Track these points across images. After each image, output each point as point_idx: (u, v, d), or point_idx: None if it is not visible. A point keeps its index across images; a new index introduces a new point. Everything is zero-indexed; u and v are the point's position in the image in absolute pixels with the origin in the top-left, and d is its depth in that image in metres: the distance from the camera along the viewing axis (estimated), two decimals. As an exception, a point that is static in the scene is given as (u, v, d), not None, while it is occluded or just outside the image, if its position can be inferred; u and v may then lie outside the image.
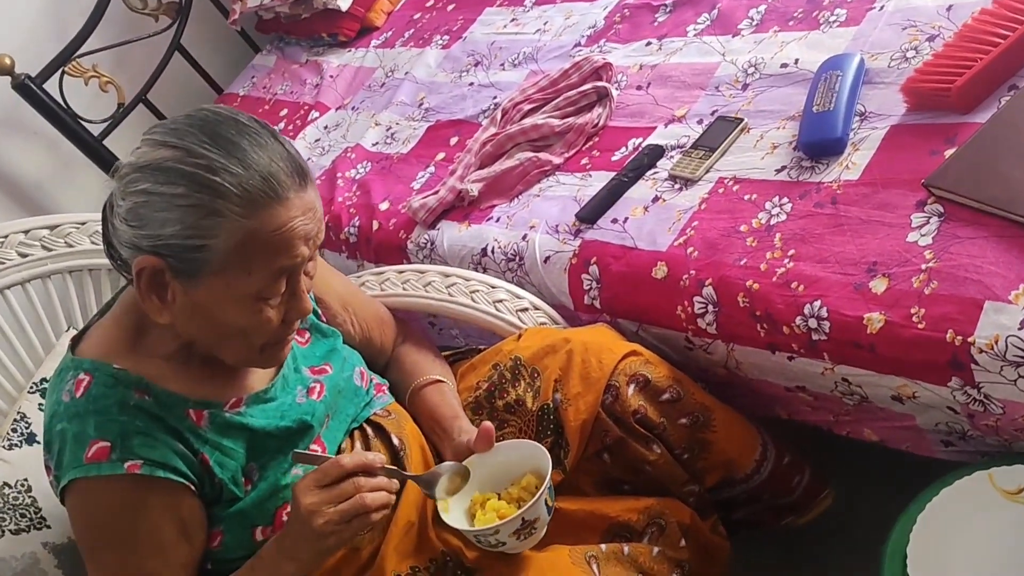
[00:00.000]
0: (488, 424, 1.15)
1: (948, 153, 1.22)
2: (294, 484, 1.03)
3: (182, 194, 0.94)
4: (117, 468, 1.00)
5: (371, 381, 1.29)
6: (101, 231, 1.07)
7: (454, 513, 1.12)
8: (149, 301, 1.01)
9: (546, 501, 1.08)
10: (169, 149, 0.96)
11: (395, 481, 1.06)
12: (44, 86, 2.28)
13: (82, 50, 2.36)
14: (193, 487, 1.05)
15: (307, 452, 1.08)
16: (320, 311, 1.27)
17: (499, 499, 1.13)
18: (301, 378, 1.18)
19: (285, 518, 1.10)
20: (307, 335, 1.24)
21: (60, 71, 2.32)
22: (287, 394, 1.15)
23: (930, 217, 1.18)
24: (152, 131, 0.99)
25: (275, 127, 2.31)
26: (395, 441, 1.21)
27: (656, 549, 1.16)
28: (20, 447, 1.39)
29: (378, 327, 1.37)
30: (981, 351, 1.05)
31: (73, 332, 1.48)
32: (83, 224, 1.54)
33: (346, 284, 1.38)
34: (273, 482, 1.10)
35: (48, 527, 1.35)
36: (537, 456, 1.13)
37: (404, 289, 1.50)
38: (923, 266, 1.13)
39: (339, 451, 1.19)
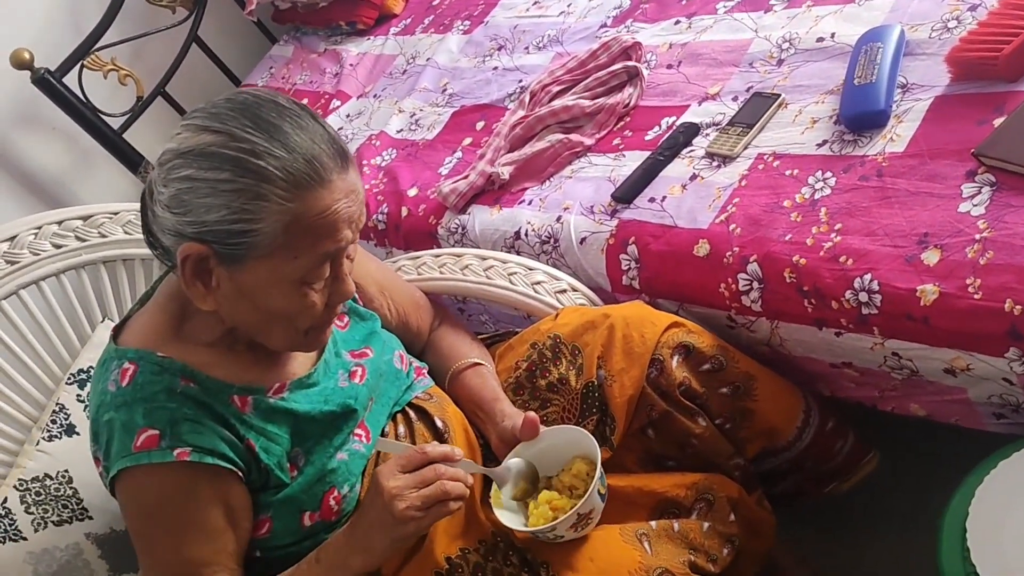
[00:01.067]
0: (532, 414, 1.15)
1: (997, 122, 1.20)
2: (376, 469, 1.02)
3: (227, 179, 0.93)
4: (167, 456, 1.00)
5: (411, 364, 1.28)
6: (140, 219, 1.06)
7: (507, 508, 1.12)
8: (194, 288, 1.00)
9: (599, 491, 1.07)
10: (211, 134, 0.95)
11: (469, 474, 1.05)
12: (63, 80, 2.27)
13: (100, 43, 2.34)
14: (240, 473, 1.05)
15: (390, 441, 1.07)
16: (357, 295, 1.26)
17: (551, 485, 1.13)
18: (342, 362, 1.17)
19: (332, 503, 1.09)
20: (346, 319, 1.23)
21: (79, 65, 2.31)
22: (329, 378, 1.14)
23: (982, 187, 1.16)
24: (192, 116, 0.98)
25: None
26: (438, 424, 1.20)
27: (706, 524, 1.15)
28: (60, 438, 1.38)
29: (415, 311, 1.37)
30: (1041, 320, 1.03)
31: (109, 323, 1.48)
32: (116, 214, 1.53)
33: (382, 268, 1.38)
34: (320, 467, 1.10)
35: (90, 518, 1.34)
36: (584, 442, 1.12)
37: (441, 273, 1.49)
38: (977, 236, 1.12)
39: (382, 434, 1.18)
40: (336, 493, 1.10)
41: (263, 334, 1.06)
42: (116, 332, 1.11)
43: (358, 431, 1.15)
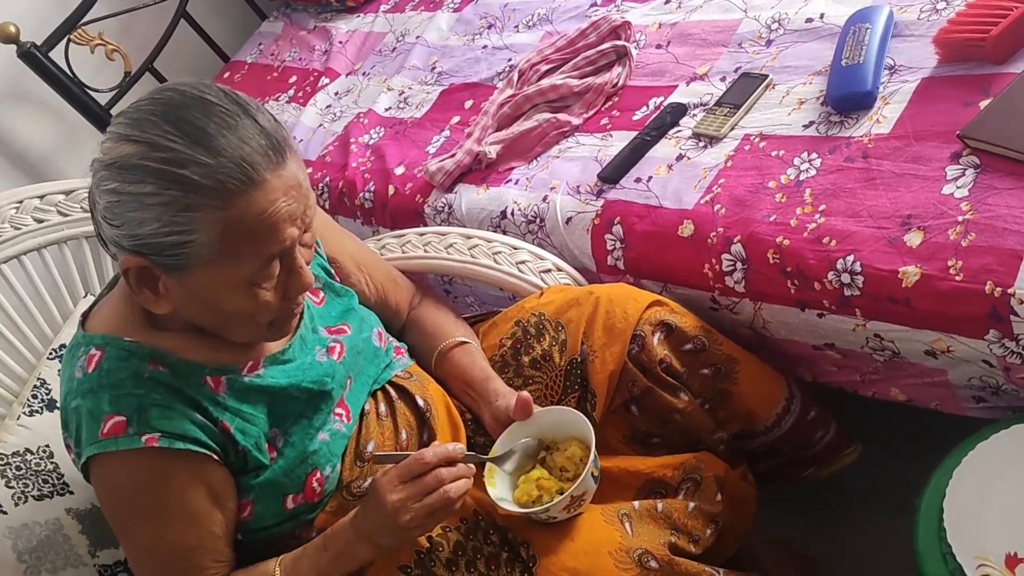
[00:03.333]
0: (525, 394, 1.14)
1: (983, 104, 1.20)
2: (375, 479, 1.02)
3: (152, 192, 0.90)
4: (135, 442, 0.99)
5: (390, 342, 1.27)
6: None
7: (500, 486, 1.12)
8: (143, 295, 0.98)
9: (592, 473, 1.08)
10: (132, 144, 0.90)
11: (472, 466, 1.05)
12: (50, 55, 2.25)
13: (87, 17, 2.32)
14: (216, 456, 1.04)
15: (387, 453, 1.06)
16: (333, 271, 1.26)
17: (544, 462, 1.14)
18: (319, 338, 1.16)
19: (315, 485, 1.09)
20: (321, 294, 1.22)
21: (66, 39, 2.29)
22: (306, 354, 1.13)
23: (966, 169, 1.16)
24: (116, 121, 0.94)
25: (285, 94, 2.31)
26: (420, 402, 1.20)
27: (691, 504, 1.15)
28: (41, 413, 1.38)
29: (393, 288, 1.36)
30: (1022, 302, 1.03)
31: (91, 298, 1.47)
32: (98, 188, 1.51)
33: (359, 245, 1.36)
34: (301, 449, 1.09)
35: (71, 493, 1.34)
36: (580, 425, 1.12)
37: (425, 251, 1.49)
38: (960, 218, 1.12)
39: (362, 414, 1.18)
40: (319, 475, 1.09)
41: (224, 331, 1.04)
42: (84, 318, 1.10)
43: (338, 410, 1.14)
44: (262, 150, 0.92)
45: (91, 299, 1.45)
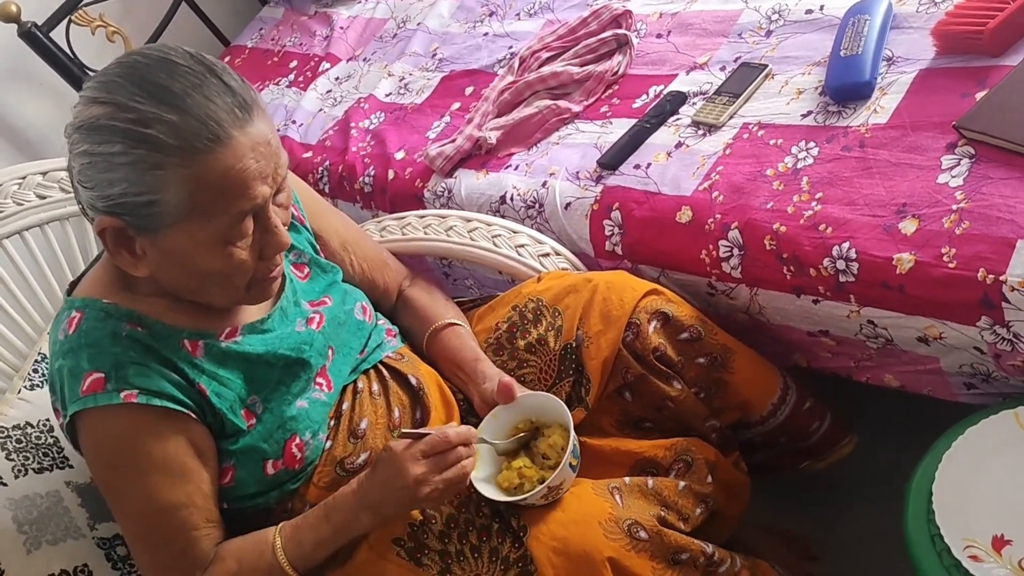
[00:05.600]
0: (507, 379, 1.16)
1: (979, 96, 1.22)
2: (399, 451, 1.02)
3: (120, 152, 0.91)
4: (114, 398, 1.00)
5: (376, 318, 1.28)
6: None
7: (483, 468, 1.13)
8: (120, 257, 1.00)
9: (570, 463, 1.09)
10: (99, 106, 0.92)
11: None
12: (51, 35, 2.25)
13: (89, -1, 2.33)
14: (194, 415, 1.05)
15: (412, 430, 1.06)
16: (318, 247, 1.27)
17: (529, 447, 1.15)
18: (301, 311, 1.17)
19: (295, 451, 1.10)
20: (306, 270, 1.23)
21: (67, 20, 2.30)
22: (285, 325, 1.15)
23: (961, 159, 1.18)
24: (86, 86, 0.96)
25: (286, 79, 2.32)
26: (412, 381, 1.21)
27: (682, 484, 1.16)
28: (41, 387, 1.39)
29: (381, 269, 1.36)
30: (1013, 289, 1.05)
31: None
32: (101, 166, 1.52)
33: (347, 224, 1.37)
34: (278, 415, 1.10)
35: (71, 466, 1.35)
36: (559, 411, 1.14)
37: (426, 233, 1.50)
38: (954, 207, 1.13)
39: (355, 391, 1.19)
40: (298, 440, 1.10)
41: (202, 295, 1.05)
42: (72, 286, 1.12)
43: (319, 379, 1.15)
44: (228, 108, 0.93)
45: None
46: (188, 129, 0.91)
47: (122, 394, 1.00)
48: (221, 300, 1.07)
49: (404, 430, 1.08)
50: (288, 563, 1.05)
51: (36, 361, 1.41)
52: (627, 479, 1.14)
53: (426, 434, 1.04)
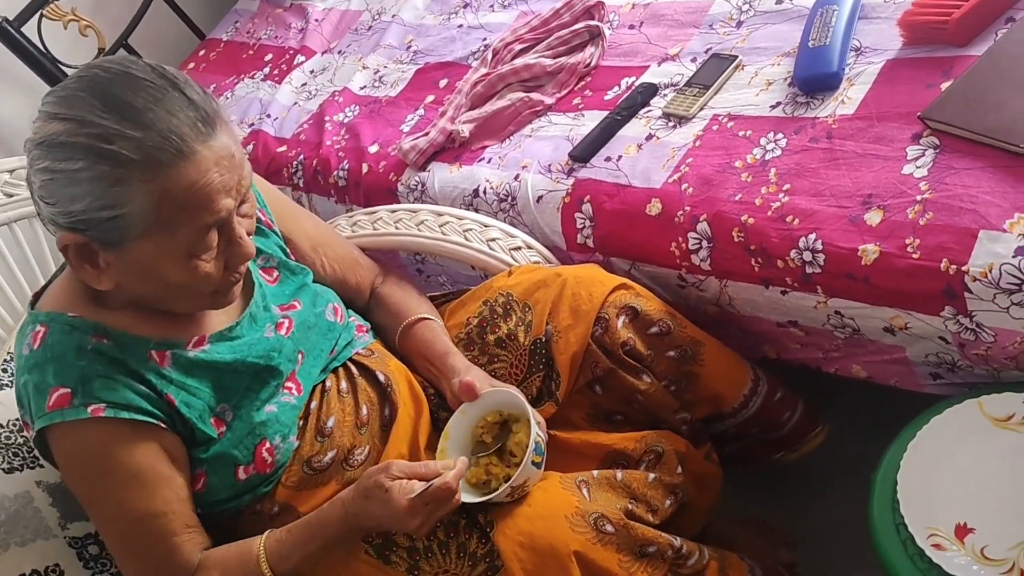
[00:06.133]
0: (468, 380, 1.16)
1: (944, 86, 1.22)
2: (397, 501, 1.01)
3: (82, 168, 0.91)
4: (81, 413, 1.00)
5: (347, 317, 1.28)
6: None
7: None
8: (83, 272, 0.99)
9: (533, 460, 1.09)
10: (60, 122, 0.92)
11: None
12: (22, 29, 2.23)
13: (61, -8, 2.31)
14: (164, 425, 1.04)
15: (423, 488, 1.02)
16: (288, 251, 1.26)
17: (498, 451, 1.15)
18: (270, 316, 1.17)
19: (266, 455, 1.10)
20: (275, 273, 1.22)
21: (38, 14, 2.27)
22: (255, 331, 1.14)
23: (926, 149, 1.18)
24: (45, 101, 0.95)
25: (260, 72, 2.30)
26: (380, 378, 1.21)
27: (651, 476, 1.17)
28: (10, 387, 1.38)
29: (352, 268, 1.36)
30: (975, 279, 1.05)
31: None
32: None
33: (317, 225, 1.36)
34: (248, 421, 1.09)
35: (41, 466, 1.33)
36: (522, 408, 1.14)
37: (396, 228, 1.49)
38: (918, 197, 1.14)
39: (323, 390, 1.18)
40: (268, 445, 1.10)
41: (167, 303, 1.05)
42: (36, 298, 1.11)
43: (288, 384, 1.14)
44: (191, 122, 0.93)
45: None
46: (151, 144, 0.91)
47: (89, 408, 1.00)
48: (186, 307, 1.07)
49: (414, 493, 1.02)
50: None
51: (5, 360, 1.40)
52: (595, 472, 1.14)
53: (430, 484, 1.02)
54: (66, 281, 1.08)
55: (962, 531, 1.01)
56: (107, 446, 1.02)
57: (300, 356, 1.17)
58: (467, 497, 1.08)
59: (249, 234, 1.03)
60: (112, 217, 0.93)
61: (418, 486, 1.01)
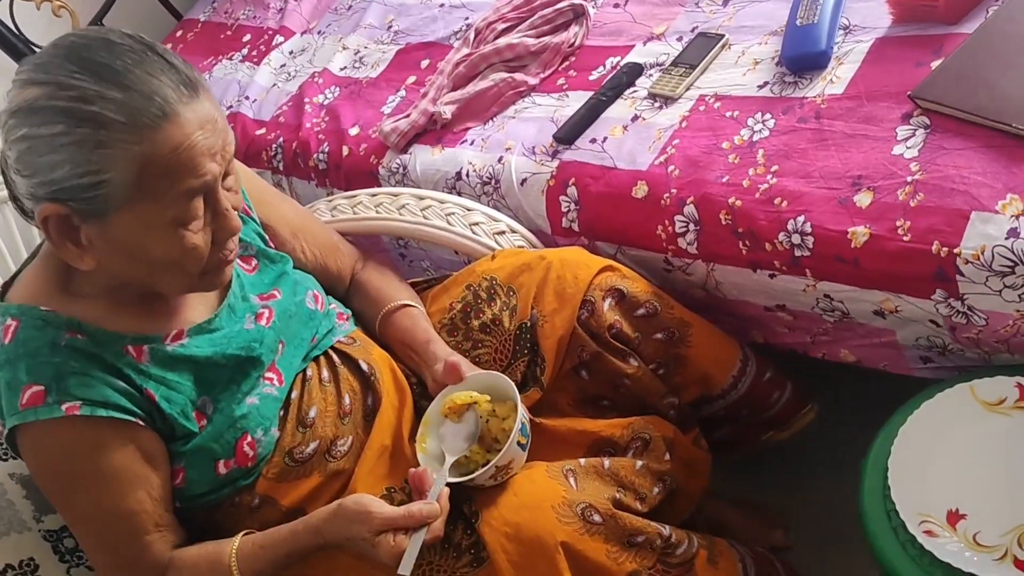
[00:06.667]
0: (454, 360, 1.14)
1: (935, 64, 1.20)
2: (387, 556, 0.97)
3: (62, 132, 0.88)
4: (55, 411, 0.96)
5: (328, 304, 1.25)
6: (6, 186, 0.99)
7: (432, 451, 1.11)
8: (65, 249, 0.95)
9: (519, 441, 1.07)
10: (37, 87, 0.88)
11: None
12: (-7, 10, 2.18)
13: (32, -29, 2.25)
14: (143, 422, 1.01)
15: (415, 555, 0.97)
16: (268, 237, 1.23)
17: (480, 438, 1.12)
18: (249, 306, 1.13)
19: (247, 449, 1.07)
20: (254, 262, 1.19)
21: (10, -6, 2.22)
22: (234, 323, 1.11)
23: (916, 129, 1.16)
24: (19, 70, 0.92)
25: (239, 53, 2.26)
26: (364, 367, 1.18)
27: (639, 463, 1.15)
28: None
29: (333, 253, 1.33)
30: (967, 262, 1.04)
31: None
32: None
33: (297, 210, 1.33)
34: (228, 414, 1.06)
35: (14, 458, 1.30)
36: (507, 391, 1.11)
37: (377, 212, 1.46)
38: (909, 178, 1.12)
39: (304, 379, 1.15)
40: (249, 438, 1.07)
41: (154, 284, 1.01)
42: (5, 288, 1.07)
43: (269, 374, 1.11)
44: (173, 84, 0.90)
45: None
46: (134, 105, 0.88)
47: (64, 407, 0.97)
48: (174, 289, 1.03)
49: (409, 567, 0.97)
50: None
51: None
52: (583, 460, 1.12)
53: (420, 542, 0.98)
54: (38, 270, 1.04)
55: (954, 517, 1.00)
56: (81, 446, 0.99)
57: (281, 346, 1.14)
58: (450, 478, 1.05)
59: (235, 209, 1.00)
60: (94, 184, 0.89)
61: (412, 547, 0.97)
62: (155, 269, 0.98)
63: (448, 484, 1.04)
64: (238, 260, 1.16)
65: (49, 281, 1.02)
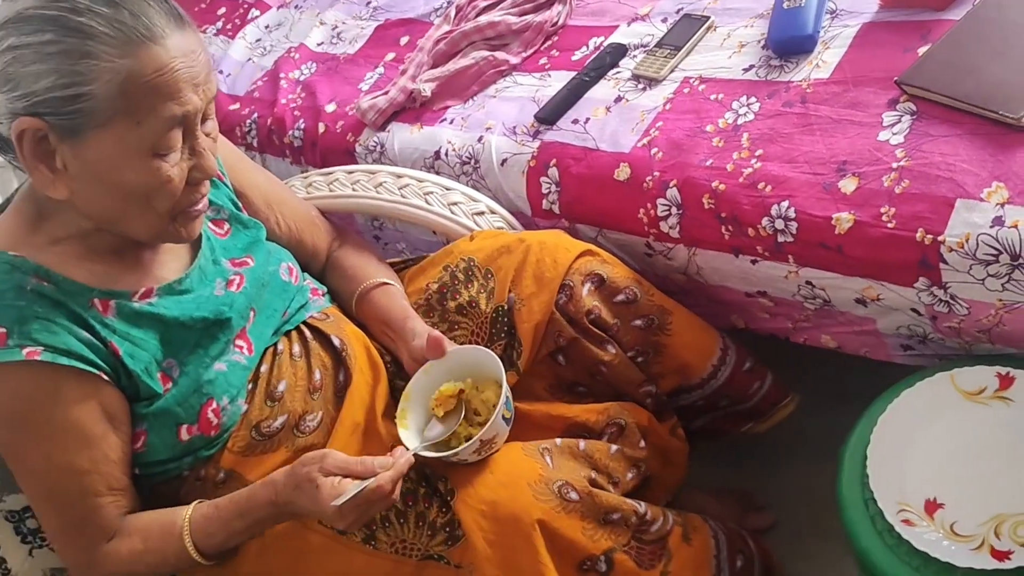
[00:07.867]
0: (436, 333, 1.12)
1: (922, 50, 1.19)
2: (326, 504, 0.94)
3: (50, 40, 0.89)
4: (15, 354, 0.94)
5: (302, 279, 1.23)
6: None
7: (413, 427, 1.09)
8: (38, 172, 0.94)
9: (503, 415, 1.05)
10: None
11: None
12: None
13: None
14: (107, 376, 0.99)
15: (351, 495, 0.94)
16: (241, 204, 1.21)
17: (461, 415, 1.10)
18: (221, 270, 1.12)
19: (211, 416, 1.05)
20: (226, 226, 1.17)
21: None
22: (205, 286, 1.09)
23: (902, 115, 1.15)
24: None
25: (213, 26, 2.21)
26: (335, 342, 1.16)
27: (614, 447, 1.14)
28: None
29: (309, 227, 1.30)
30: (951, 250, 1.03)
31: None
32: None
33: (271, 181, 1.31)
34: (195, 378, 1.04)
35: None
36: (491, 365, 1.09)
37: (354, 190, 1.43)
38: (894, 165, 1.11)
39: (275, 353, 1.13)
40: (215, 405, 1.05)
41: (123, 221, 0.99)
42: None
43: (239, 342, 1.10)
44: (162, 12, 0.92)
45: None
46: (123, 21, 0.89)
47: (24, 351, 0.94)
48: (143, 229, 1.01)
49: (336, 504, 0.94)
50: (197, 551, 1.00)
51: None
52: (558, 440, 1.11)
53: (365, 488, 0.95)
54: (10, 216, 1.03)
55: (932, 507, 1.00)
56: (40, 393, 0.96)
57: (252, 313, 1.12)
58: (434, 453, 1.04)
59: (212, 154, 1.00)
60: (76, 96, 0.89)
61: (350, 489, 0.94)
62: (125, 202, 0.97)
63: (433, 457, 1.03)
64: (210, 223, 1.14)
65: (21, 227, 1.01)
